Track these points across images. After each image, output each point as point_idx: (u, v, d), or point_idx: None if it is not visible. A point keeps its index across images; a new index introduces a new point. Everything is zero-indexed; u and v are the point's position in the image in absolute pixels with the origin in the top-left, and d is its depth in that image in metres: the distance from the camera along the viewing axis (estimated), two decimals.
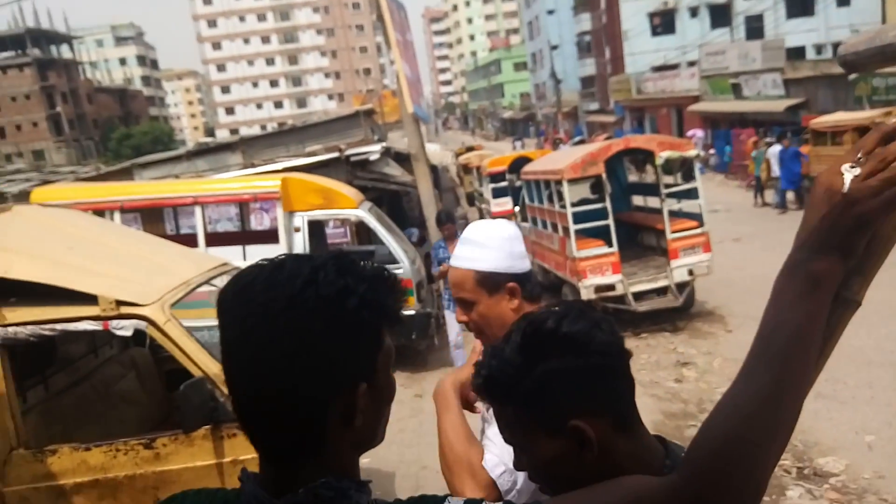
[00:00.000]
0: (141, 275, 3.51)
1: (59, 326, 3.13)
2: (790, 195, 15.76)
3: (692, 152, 8.81)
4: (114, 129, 65.14)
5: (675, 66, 34.45)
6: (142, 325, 3.15)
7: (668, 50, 36.51)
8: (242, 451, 3.07)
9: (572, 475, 0.98)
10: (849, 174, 0.80)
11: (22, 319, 3.08)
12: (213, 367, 3.13)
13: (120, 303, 3.12)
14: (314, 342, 0.79)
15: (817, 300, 0.82)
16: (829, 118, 16.20)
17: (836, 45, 35.44)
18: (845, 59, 0.95)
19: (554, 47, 50.52)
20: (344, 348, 0.81)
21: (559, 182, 8.67)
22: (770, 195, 16.85)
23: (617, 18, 39.39)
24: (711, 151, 24.01)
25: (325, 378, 0.80)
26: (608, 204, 8.56)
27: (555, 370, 0.96)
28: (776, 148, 15.94)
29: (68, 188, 9.24)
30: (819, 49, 35.76)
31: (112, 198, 8.12)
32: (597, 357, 0.96)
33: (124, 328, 3.12)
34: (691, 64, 32.59)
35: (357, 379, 0.82)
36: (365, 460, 1.00)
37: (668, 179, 9.16)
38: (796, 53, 31.78)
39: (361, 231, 11.32)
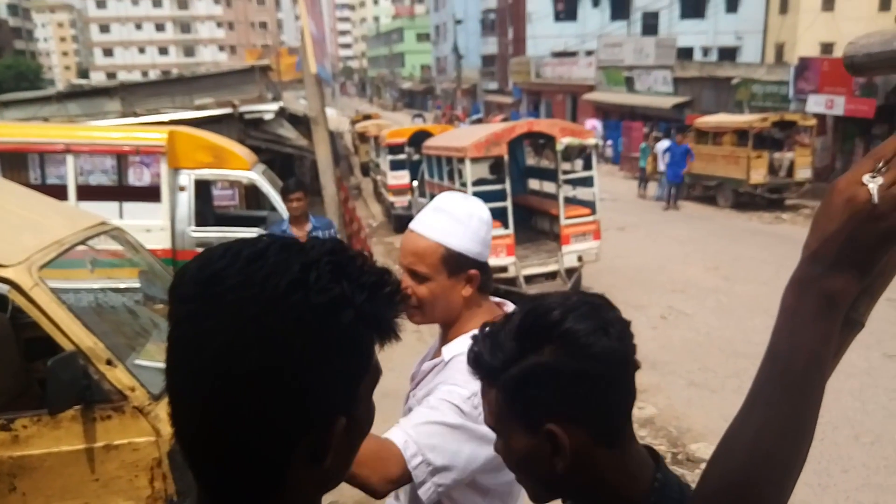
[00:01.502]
0: (4, 230, 3.08)
1: None
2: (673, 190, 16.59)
3: (592, 140, 9.00)
4: None
5: (573, 54, 35.40)
6: (3, 288, 2.76)
7: (568, 37, 37.44)
8: (117, 436, 2.78)
9: (545, 475, 0.93)
10: (873, 184, 0.73)
11: None
12: (87, 340, 2.80)
13: None
14: (292, 362, 0.62)
15: (831, 321, 0.76)
16: (712, 119, 17.19)
17: (721, 49, 37.71)
18: (853, 60, 0.87)
19: (458, 21, 50.39)
20: (327, 374, 0.64)
21: (461, 160, 8.63)
22: (653, 188, 17.70)
23: None
24: (609, 143, 24.74)
25: (299, 409, 0.63)
26: (507, 186, 8.62)
27: (543, 366, 0.88)
28: (664, 143, 16.72)
29: None
30: (706, 51, 37.94)
31: None
32: (592, 363, 0.88)
33: None
34: (589, 53, 33.58)
35: (336, 412, 0.66)
36: None
37: (566, 166, 9.34)
38: (685, 53, 33.49)
39: (251, 195, 10.81)
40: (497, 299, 1.67)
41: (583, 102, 30.81)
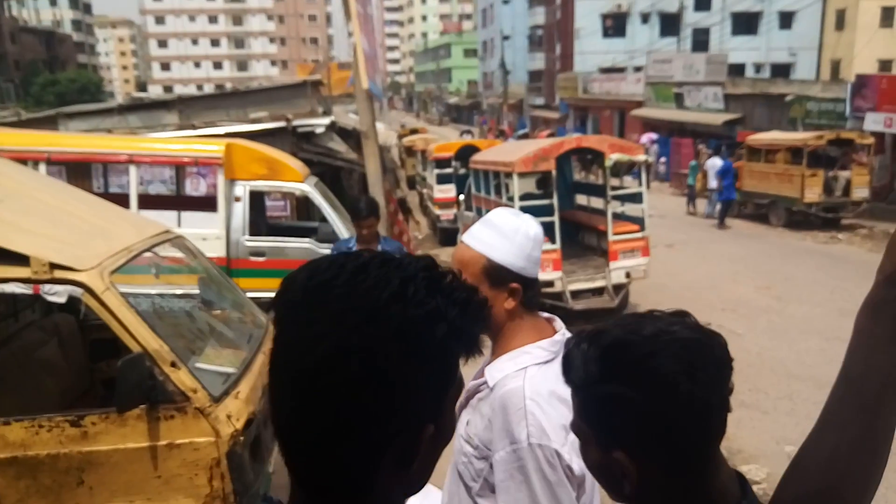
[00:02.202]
0: (78, 236, 3.25)
1: None
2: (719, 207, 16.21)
3: (641, 157, 8.94)
4: (37, 73, 61.26)
5: (622, 70, 35.13)
6: (77, 291, 2.90)
7: (616, 53, 37.21)
8: (179, 435, 2.89)
9: (616, 490, 0.94)
10: None
11: None
12: (153, 343, 2.93)
13: (54, 266, 2.86)
14: (390, 371, 0.66)
15: None
16: (765, 136, 16.84)
17: (774, 66, 36.95)
18: None
19: (506, 37, 50.59)
20: (420, 383, 0.68)
21: (509, 174, 8.66)
22: (702, 205, 17.40)
23: (570, 16, 39.77)
24: (662, 160, 24.26)
25: (393, 415, 0.68)
26: (555, 201, 8.61)
27: (620, 398, 0.88)
28: (715, 160, 16.43)
29: None
30: (758, 68, 37.22)
31: (38, 147, 7.58)
32: (668, 406, 0.86)
33: (57, 294, 2.87)
34: (638, 69, 33.31)
35: (425, 419, 0.70)
36: None
37: (614, 182, 9.29)
38: (737, 70, 32.93)
39: (301, 206, 11.04)
40: (547, 315, 1.70)
41: (631, 118, 30.54)
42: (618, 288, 8.79)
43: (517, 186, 8.49)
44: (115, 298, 2.93)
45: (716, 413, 0.88)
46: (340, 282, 0.68)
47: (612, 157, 8.64)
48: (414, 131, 27.47)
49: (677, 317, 0.94)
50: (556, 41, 43.25)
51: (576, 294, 8.64)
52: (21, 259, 2.84)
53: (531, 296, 1.61)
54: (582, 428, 0.95)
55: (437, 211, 14.96)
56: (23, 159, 7.01)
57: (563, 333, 1.61)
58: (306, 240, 7.77)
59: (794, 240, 14.47)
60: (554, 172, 8.61)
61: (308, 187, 7.89)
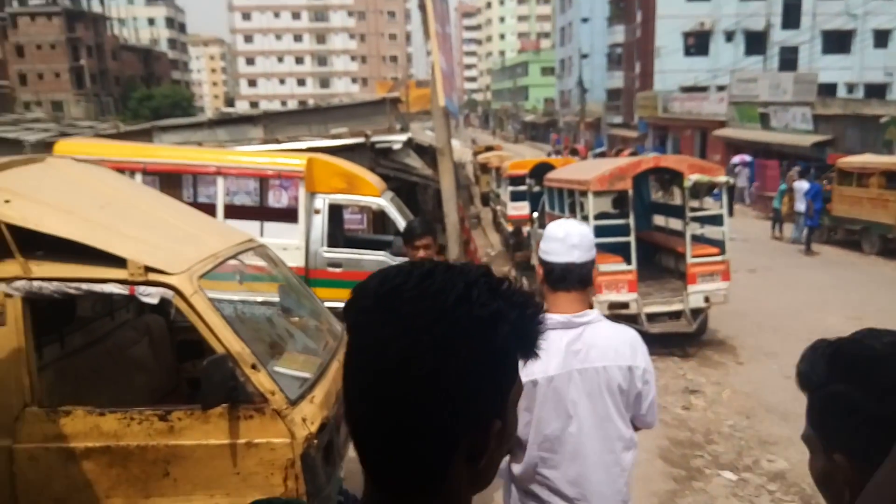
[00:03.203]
0: (171, 242, 3.43)
1: (84, 286, 3.05)
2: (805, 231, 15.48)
3: (722, 178, 8.67)
4: (135, 88, 65.13)
5: (704, 89, 34.30)
6: (168, 294, 3.07)
7: (699, 71, 36.37)
8: (257, 434, 3.00)
9: (839, 499, 0.92)
10: None
11: (48, 275, 3.01)
12: (236, 345, 3.06)
13: (148, 269, 3.04)
14: (459, 368, 0.70)
15: None
16: (857, 159, 16.04)
17: (868, 86, 35.21)
18: None
19: (584, 56, 50.35)
20: (487, 379, 0.72)
21: (584, 193, 8.57)
22: (788, 229, 16.69)
23: (651, 34, 39.19)
24: (756, 184, 22.99)
25: (464, 411, 0.71)
26: (631, 220, 8.46)
27: (844, 397, 0.88)
28: (803, 183, 15.75)
29: (92, 144, 9.18)
30: (851, 88, 35.57)
31: (136, 158, 8.05)
32: (892, 413, 0.84)
33: (150, 295, 3.04)
34: (721, 88, 32.46)
35: (492, 415, 0.74)
36: None
37: (694, 203, 9.05)
38: (827, 90, 31.57)
39: (377, 219, 11.26)
40: (591, 304, 2.14)
41: (713, 138, 29.71)
42: (696, 312, 8.53)
43: (592, 205, 8.39)
44: (203, 302, 3.08)
45: None
46: (409, 287, 0.73)
47: (692, 178, 8.43)
48: (489, 148, 27.63)
49: None
50: (636, 59, 42.66)
51: (652, 317, 8.44)
52: (119, 261, 3.03)
53: (552, 276, 2.09)
54: (809, 435, 0.95)
55: (511, 228, 14.96)
56: (122, 169, 7.46)
57: (579, 315, 2.03)
58: (381, 252, 7.92)
59: (888, 269, 13.68)
60: (630, 192, 8.48)
61: (384, 202, 8.06)
